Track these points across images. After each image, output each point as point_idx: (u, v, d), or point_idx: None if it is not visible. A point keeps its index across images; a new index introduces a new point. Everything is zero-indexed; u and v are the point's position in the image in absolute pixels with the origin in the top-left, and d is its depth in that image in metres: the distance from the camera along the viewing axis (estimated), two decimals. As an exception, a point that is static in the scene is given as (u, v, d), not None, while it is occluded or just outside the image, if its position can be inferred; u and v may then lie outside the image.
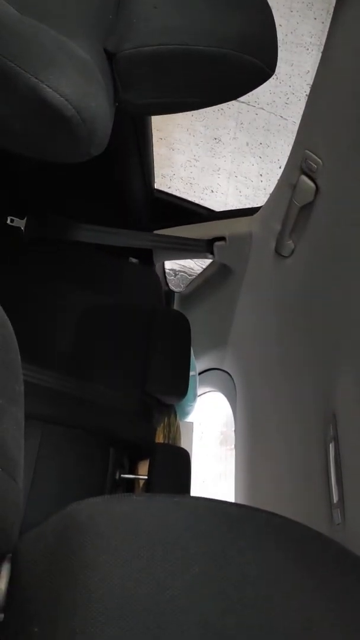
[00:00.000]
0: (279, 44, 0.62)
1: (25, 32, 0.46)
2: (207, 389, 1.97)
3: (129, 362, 1.25)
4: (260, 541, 0.40)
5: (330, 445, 0.84)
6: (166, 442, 1.37)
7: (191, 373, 1.36)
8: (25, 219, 1.31)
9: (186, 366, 1.32)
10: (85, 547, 0.38)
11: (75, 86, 0.47)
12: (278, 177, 1.05)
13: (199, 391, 1.77)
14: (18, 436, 0.42)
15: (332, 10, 0.72)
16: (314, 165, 0.90)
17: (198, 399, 1.70)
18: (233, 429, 1.64)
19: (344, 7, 0.70)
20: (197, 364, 1.72)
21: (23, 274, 1.30)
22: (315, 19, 0.94)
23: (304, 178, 0.94)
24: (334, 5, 0.71)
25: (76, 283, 1.33)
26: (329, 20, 0.73)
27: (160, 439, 1.32)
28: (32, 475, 1.00)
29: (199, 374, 1.85)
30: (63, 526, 0.41)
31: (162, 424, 1.38)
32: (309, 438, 0.97)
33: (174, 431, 1.45)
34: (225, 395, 1.81)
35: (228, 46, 0.56)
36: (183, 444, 1.42)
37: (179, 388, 1.28)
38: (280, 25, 0.62)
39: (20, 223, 1.30)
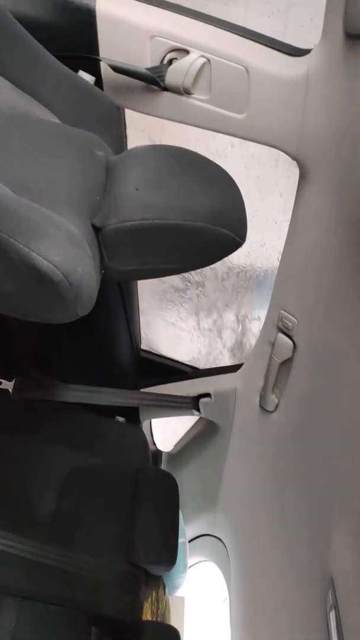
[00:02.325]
0: (250, 218, 0.70)
1: (19, 210, 0.52)
2: (199, 559, 1.84)
3: (114, 528, 1.19)
4: None
5: (331, 614, 0.77)
6: (154, 619, 1.25)
7: (180, 540, 1.29)
8: (14, 380, 1.32)
9: (175, 532, 1.25)
10: None
11: (63, 254, 0.52)
12: (258, 335, 1.11)
13: (190, 561, 1.65)
14: None
15: (295, 189, 0.82)
16: (289, 323, 0.95)
17: (188, 569, 1.58)
18: (227, 602, 1.51)
19: (305, 186, 0.80)
20: (187, 530, 1.63)
21: (7, 432, 1.28)
22: (281, 195, 1.07)
23: (282, 336, 0.99)
24: (297, 183, 0.81)
25: (61, 443, 1.31)
26: (293, 197, 0.83)
27: (147, 615, 1.20)
28: None
29: (189, 541, 1.74)
30: None
31: (149, 599, 1.27)
32: (308, 606, 0.89)
33: (162, 607, 1.32)
34: (218, 565, 1.69)
35: (202, 220, 0.63)
36: (173, 622, 1.30)
37: (167, 557, 1.20)
38: (250, 205, 0.70)
39: (8, 385, 1.32)
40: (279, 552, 1.11)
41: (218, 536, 1.67)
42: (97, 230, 0.63)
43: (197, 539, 1.77)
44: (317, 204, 0.79)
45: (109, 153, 0.74)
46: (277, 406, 1.11)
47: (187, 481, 1.54)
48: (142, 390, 1.42)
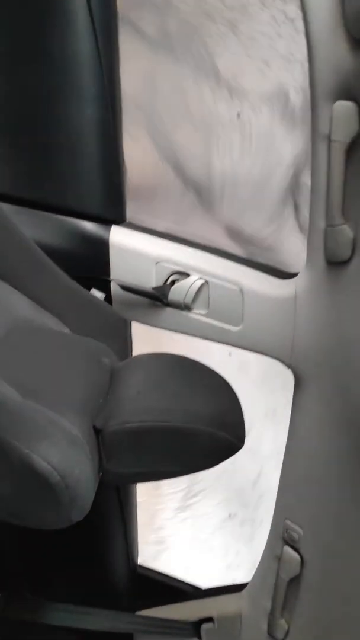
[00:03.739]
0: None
1: (24, 412, 0.55)
2: None
3: None
4: None
5: None
6: None
7: None
8: (-2, 599, 1.21)
9: None
10: None
11: (62, 455, 0.53)
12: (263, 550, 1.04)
13: None
14: None
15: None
16: (295, 535, 0.91)
17: None
18: None
19: (300, 394, 0.83)
20: None
21: None
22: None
23: (288, 549, 0.93)
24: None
25: None
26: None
27: None
28: None
29: None
30: None
31: None
32: None
33: None
34: None
35: (201, 423, 0.65)
36: None
37: None
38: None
39: (-10, 603, 1.20)
40: None
41: None
42: (97, 432, 0.65)
43: None
44: (314, 411, 0.81)
45: (115, 360, 0.79)
46: (287, 633, 1.00)
47: None
48: (137, 613, 1.29)
